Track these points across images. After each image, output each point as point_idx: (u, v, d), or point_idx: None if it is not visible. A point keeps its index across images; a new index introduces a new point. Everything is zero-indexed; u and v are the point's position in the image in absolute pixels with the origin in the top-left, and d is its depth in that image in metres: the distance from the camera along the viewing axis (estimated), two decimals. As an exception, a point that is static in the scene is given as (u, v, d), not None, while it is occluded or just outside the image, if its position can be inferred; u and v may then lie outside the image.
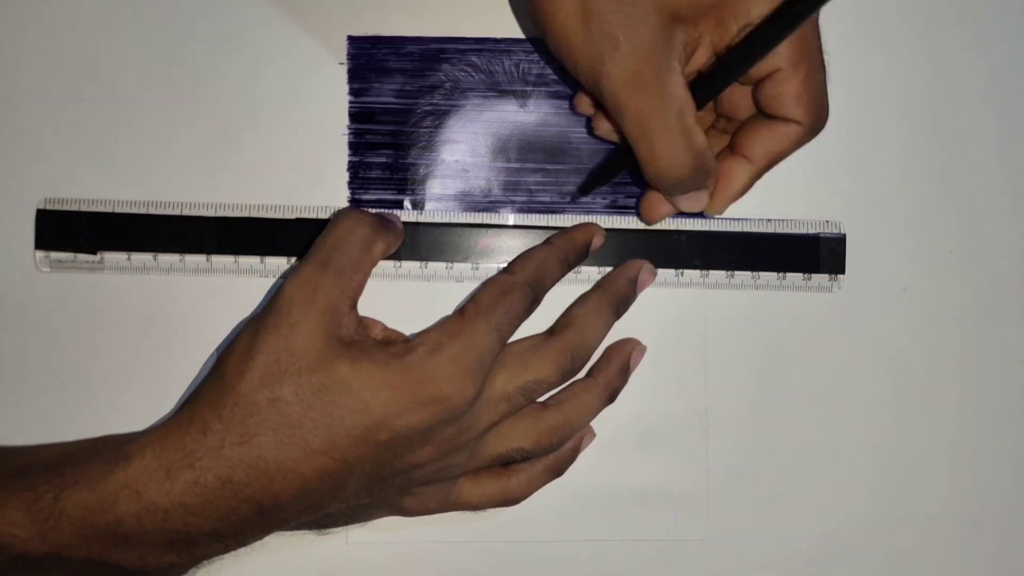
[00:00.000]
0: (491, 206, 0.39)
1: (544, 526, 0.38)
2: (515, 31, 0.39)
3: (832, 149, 0.39)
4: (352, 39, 0.39)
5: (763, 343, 0.39)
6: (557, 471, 0.38)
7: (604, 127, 0.36)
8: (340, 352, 0.32)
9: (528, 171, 0.39)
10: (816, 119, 0.33)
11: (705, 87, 0.33)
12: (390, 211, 0.38)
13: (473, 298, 0.35)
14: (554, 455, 0.37)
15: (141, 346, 0.38)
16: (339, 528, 0.36)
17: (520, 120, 0.39)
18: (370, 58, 0.39)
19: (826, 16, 0.40)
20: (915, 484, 0.40)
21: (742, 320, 0.39)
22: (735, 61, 0.32)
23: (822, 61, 0.33)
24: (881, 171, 0.40)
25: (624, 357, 0.38)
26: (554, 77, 0.39)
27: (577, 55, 0.32)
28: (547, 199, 0.39)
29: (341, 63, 0.39)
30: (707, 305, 0.39)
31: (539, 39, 0.38)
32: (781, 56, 0.32)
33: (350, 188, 0.39)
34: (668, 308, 0.39)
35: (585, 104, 0.36)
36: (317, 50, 0.39)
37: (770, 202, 0.39)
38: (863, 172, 0.40)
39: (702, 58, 0.33)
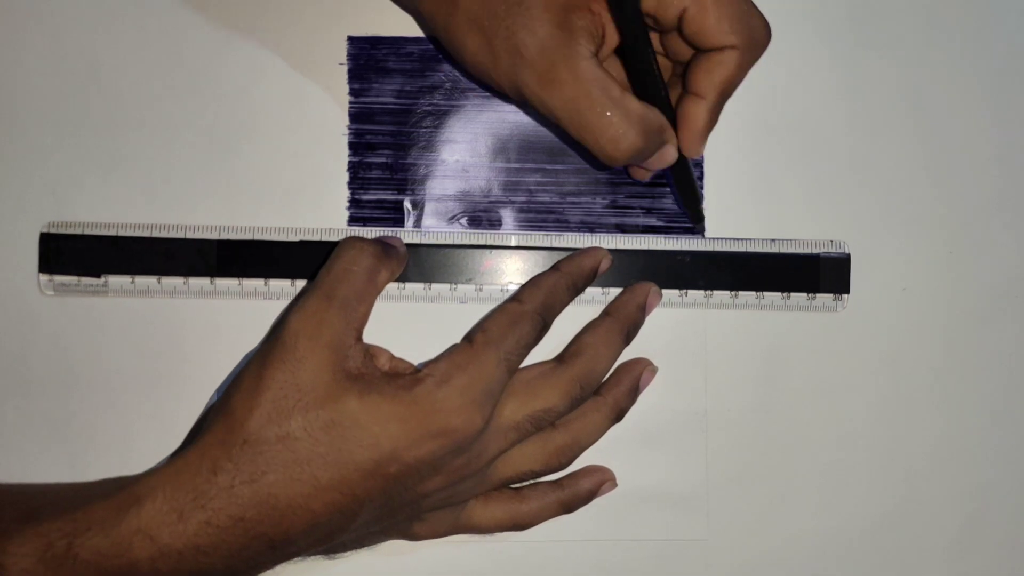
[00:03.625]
0: (491, 206, 0.39)
1: (544, 526, 0.38)
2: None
3: (831, 156, 0.39)
4: (352, 39, 0.39)
5: (762, 345, 0.39)
6: (568, 507, 0.38)
7: (641, 173, 0.37)
8: (348, 386, 0.32)
9: (528, 171, 0.39)
10: (748, 37, 0.33)
11: (626, 60, 0.33)
12: (393, 235, 0.38)
13: (482, 327, 0.34)
14: (569, 492, 0.38)
15: (146, 368, 0.38)
16: (349, 552, 0.36)
17: (520, 120, 0.39)
18: (370, 58, 0.39)
19: (826, 21, 0.40)
20: (915, 484, 0.40)
21: (742, 323, 0.39)
22: (626, 37, 0.32)
23: None
24: (882, 175, 0.39)
25: (634, 378, 0.38)
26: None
27: (495, 77, 0.33)
28: (547, 199, 0.39)
29: (341, 63, 0.39)
30: (708, 309, 0.39)
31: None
32: None
33: (350, 188, 0.39)
34: (670, 315, 0.39)
35: (641, 172, 0.37)
36: (317, 50, 0.39)
37: (774, 221, 0.39)
38: (864, 176, 0.39)
39: (615, 36, 0.33)
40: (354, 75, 0.39)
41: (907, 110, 0.40)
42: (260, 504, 0.31)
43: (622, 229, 0.39)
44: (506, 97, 0.35)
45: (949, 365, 0.40)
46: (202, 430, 0.33)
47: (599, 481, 0.38)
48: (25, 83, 0.38)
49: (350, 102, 0.39)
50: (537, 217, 0.39)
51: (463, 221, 0.39)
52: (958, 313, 0.40)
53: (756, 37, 0.33)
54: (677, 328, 0.39)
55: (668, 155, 0.34)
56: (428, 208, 0.39)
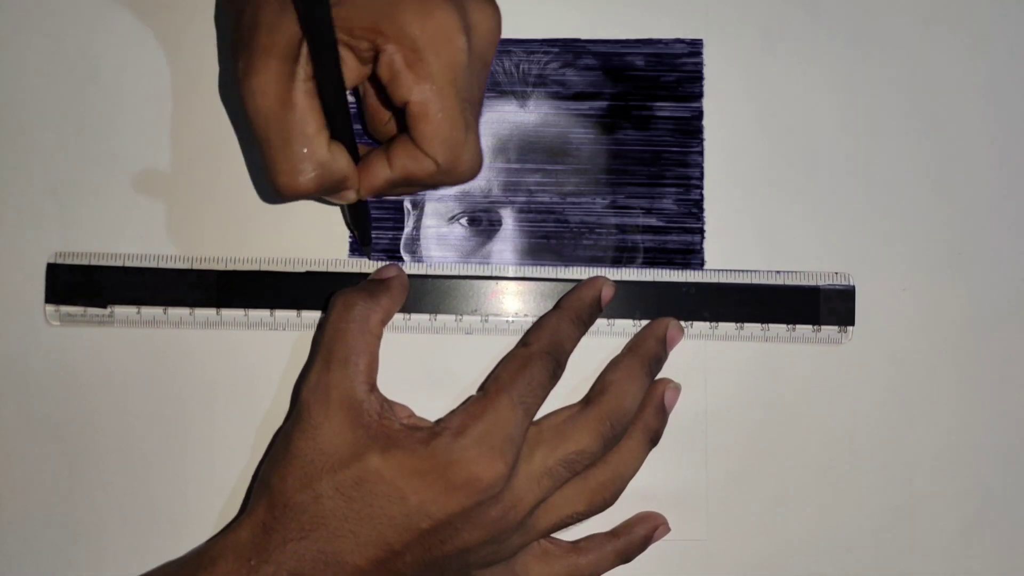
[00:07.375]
0: (491, 206, 0.39)
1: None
2: (515, 31, 0.39)
3: (833, 185, 0.39)
4: (352, 39, 0.39)
5: (762, 347, 0.39)
6: (626, 557, 0.38)
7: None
8: (369, 443, 0.33)
9: (528, 171, 0.39)
10: (451, 163, 0.33)
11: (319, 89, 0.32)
12: (391, 263, 0.38)
13: (493, 376, 0.35)
14: (625, 541, 0.38)
15: (151, 399, 0.38)
16: None
17: (520, 120, 0.39)
18: (370, 58, 0.39)
19: (823, 24, 0.40)
20: (915, 484, 0.40)
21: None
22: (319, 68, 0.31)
23: (461, 116, 0.32)
24: (883, 202, 0.39)
25: (657, 398, 0.38)
26: (554, 77, 0.39)
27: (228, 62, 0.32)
28: (547, 199, 0.39)
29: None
30: (715, 341, 0.39)
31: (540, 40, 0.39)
32: (411, 91, 0.31)
33: (350, 188, 0.39)
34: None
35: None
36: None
37: (776, 250, 0.39)
38: (866, 203, 0.39)
39: (353, 74, 0.32)
40: (354, 75, 0.39)
41: (905, 96, 0.40)
42: (313, 560, 0.32)
43: (622, 229, 0.39)
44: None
45: (949, 370, 0.40)
46: (248, 506, 0.34)
47: (652, 527, 0.38)
48: (31, 118, 0.39)
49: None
50: (537, 217, 0.39)
51: (463, 221, 0.39)
52: (959, 308, 0.40)
53: (458, 169, 0.33)
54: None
55: (347, 198, 0.34)
56: (428, 208, 0.39)
